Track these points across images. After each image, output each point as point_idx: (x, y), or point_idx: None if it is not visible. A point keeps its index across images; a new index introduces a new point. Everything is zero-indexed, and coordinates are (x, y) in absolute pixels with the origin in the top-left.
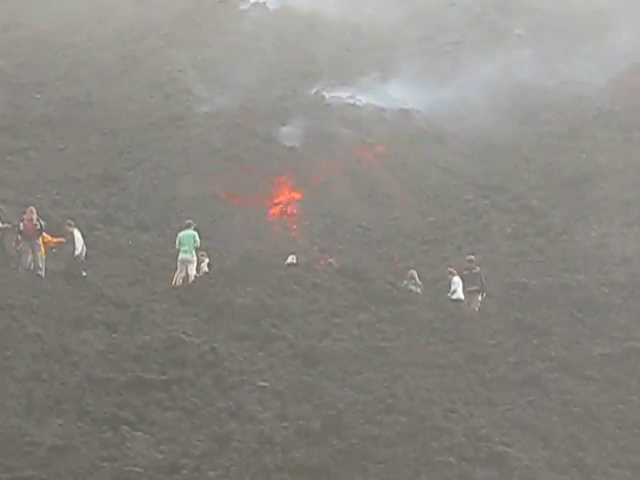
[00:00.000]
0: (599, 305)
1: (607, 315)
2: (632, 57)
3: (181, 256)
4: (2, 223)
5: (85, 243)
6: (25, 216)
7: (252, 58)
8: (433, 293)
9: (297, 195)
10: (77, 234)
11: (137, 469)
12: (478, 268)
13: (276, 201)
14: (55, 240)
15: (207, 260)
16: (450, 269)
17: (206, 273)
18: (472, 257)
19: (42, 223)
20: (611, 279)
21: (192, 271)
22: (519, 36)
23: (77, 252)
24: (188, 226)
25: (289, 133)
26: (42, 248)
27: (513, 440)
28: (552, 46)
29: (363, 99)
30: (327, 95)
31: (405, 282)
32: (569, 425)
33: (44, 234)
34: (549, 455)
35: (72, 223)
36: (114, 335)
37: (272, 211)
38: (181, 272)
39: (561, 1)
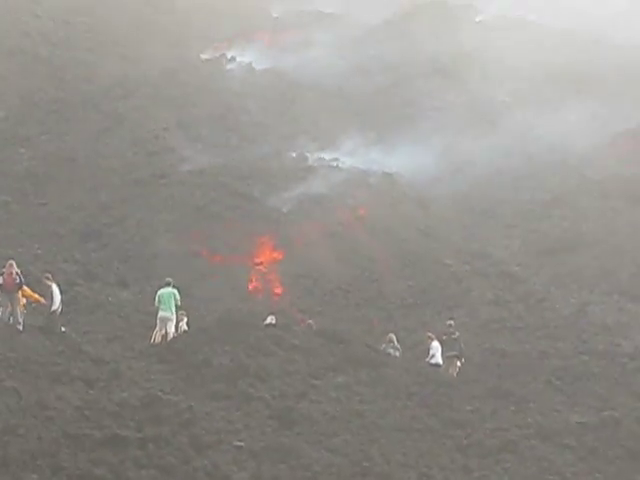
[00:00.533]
0: (578, 373)
1: (585, 383)
2: (615, 125)
3: (160, 314)
4: None
5: (62, 299)
6: (5, 270)
7: (237, 118)
8: (411, 357)
9: (278, 255)
10: (55, 289)
11: None
12: (457, 333)
13: (257, 261)
14: (35, 296)
15: (186, 319)
16: (429, 334)
17: (185, 331)
18: (451, 322)
19: (21, 277)
20: (590, 347)
21: (171, 329)
22: (503, 102)
23: (54, 307)
24: (168, 284)
25: (271, 193)
26: (21, 302)
27: None
28: (536, 112)
29: (346, 161)
30: (310, 157)
31: (384, 345)
32: None
33: (25, 288)
34: None
35: (50, 277)
36: (91, 391)
37: (252, 271)
38: (160, 330)
39: (545, 68)
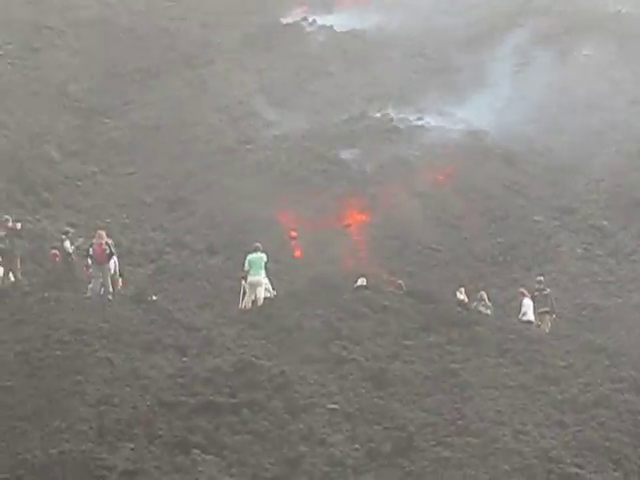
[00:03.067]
0: None
1: None
2: None
3: (250, 279)
4: (72, 248)
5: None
6: (95, 240)
7: (319, 81)
8: (503, 315)
9: (365, 217)
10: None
11: None
12: (548, 289)
13: (344, 223)
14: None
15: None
16: (521, 290)
17: (275, 296)
18: (541, 278)
19: (112, 248)
20: None
21: (261, 294)
22: (586, 56)
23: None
24: (257, 249)
25: (357, 156)
26: (111, 272)
27: (584, 462)
28: (619, 66)
29: (431, 121)
30: (395, 117)
31: (475, 303)
32: None
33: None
34: (621, 476)
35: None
36: (184, 359)
37: (341, 234)
38: (250, 295)
39: (628, 23)
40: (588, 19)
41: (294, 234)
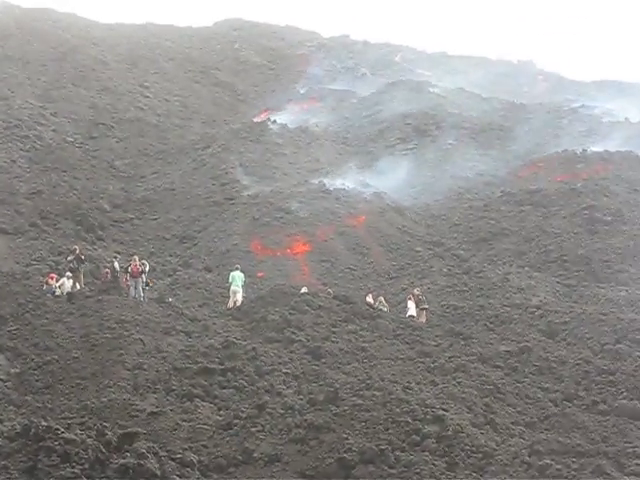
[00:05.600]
0: (503, 319)
1: (509, 325)
2: (523, 157)
3: (232, 288)
4: (120, 268)
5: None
6: (131, 262)
7: (277, 159)
8: (396, 312)
9: (307, 248)
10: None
11: (205, 426)
12: (422, 297)
13: (293, 252)
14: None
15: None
16: (409, 296)
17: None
18: (419, 289)
19: (143, 267)
20: (511, 302)
21: (239, 298)
22: (450, 144)
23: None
24: (237, 268)
25: (301, 208)
26: (142, 283)
27: (448, 407)
28: (471, 150)
29: (350, 185)
30: (327, 183)
31: (377, 304)
32: (484, 397)
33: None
34: (472, 417)
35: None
36: (190, 339)
37: (291, 259)
38: (232, 299)
39: (475, 119)
40: (452, 119)
41: (260, 274)
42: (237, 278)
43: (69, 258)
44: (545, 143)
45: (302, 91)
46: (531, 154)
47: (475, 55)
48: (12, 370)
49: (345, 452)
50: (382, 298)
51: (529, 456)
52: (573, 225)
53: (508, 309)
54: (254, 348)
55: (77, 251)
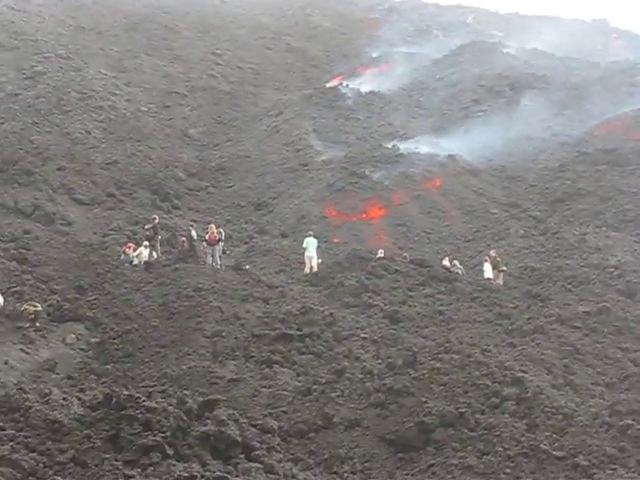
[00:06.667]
0: (581, 279)
1: (587, 286)
2: (598, 117)
3: (307, 254)
4: (195, 235)
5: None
6: (208, 230)
7: (350, 124)
8: (473, 274)
9: (382, 213)
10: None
11: (284, 392)
12: (499, 259)
13: (369, 217)
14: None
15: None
16: (485, 257)
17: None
18: (494, 252)
19: (220, 235)
20: (588, 262)
21: (315, 264)
22: (525, 105)
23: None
24: (310, 234)
25: (376, 172)
26: (220, 250)
27: (527, 369)
28: (546, 110)
29: (424, 149)
30: (400, 147)
31: (454, 268)
32: (563, 358)
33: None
34: (551, 378)
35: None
36: (267, 306)
37: (366, 224)
38: (308, 265)
39: (549, 79)
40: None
41: (336, 240)
42: (312, 244)
43: (147, 226)
44: (620, 102)
45: (374, 55)
46: (606, 113)
47: (548, 15)
48: (92, 340)
49: (425, 416)
50: (457, 262)
51: (609, 417)
52: None
53: (586, 270)
54: (332, 314)
55: (156, 220)
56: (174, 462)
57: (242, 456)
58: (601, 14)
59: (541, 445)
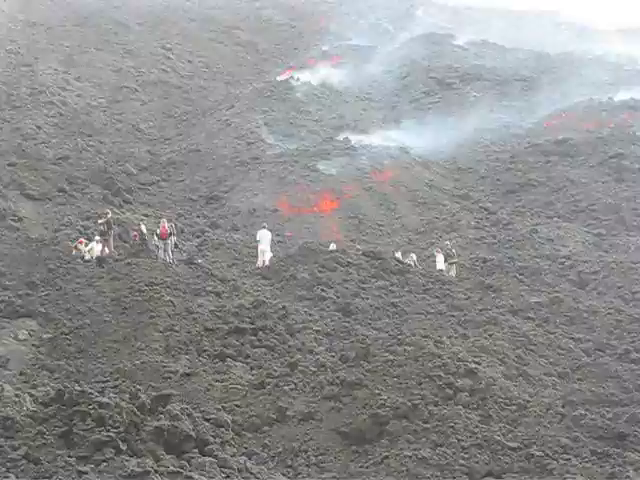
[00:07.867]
0: (533, 270)
1: (539, 276)
2: (549, 108)
3: (260, 247)
4: (146, 230)
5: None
6: (160, 224)
7: (302, 117)
8: (425, 266)
9: (334, 205)
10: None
11: (238, 386)
12: (454, 250)
13: (321, 209)
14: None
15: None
16: (436, 249)
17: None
18: (448, 242)
19: (172, 229)
20: (540, 253)
21: (267, 257)
22: (475, 97)
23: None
24: (264, 227)
25: (327, 166)
26: (171, 245)
27: (480, 360)
28: (496, 102)
29: (375, 141)
30: (352, 139)
31: (406, 259)
32: (516, 349)
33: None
34: (504, 369)
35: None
36: (220, 300)
37: (318, 216)
38: (261, 258)
39: (500, 71)
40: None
41: (289, 233)
42: (265, 237)
43: (100, 221)
44: (570, 93)
45: (325, 48)
46: (556, 104)
47: (497, 7)
48: (44, 335)
49: (378, 408)
50: (414, 255)
51: (563, 407)
52: (601, 174)
53: (538, 260)
54: (284, 307)
55: (109, 215)
56: (127, 457)
57: (196, 450)
58: (551, 6)
59: (495, 436)
